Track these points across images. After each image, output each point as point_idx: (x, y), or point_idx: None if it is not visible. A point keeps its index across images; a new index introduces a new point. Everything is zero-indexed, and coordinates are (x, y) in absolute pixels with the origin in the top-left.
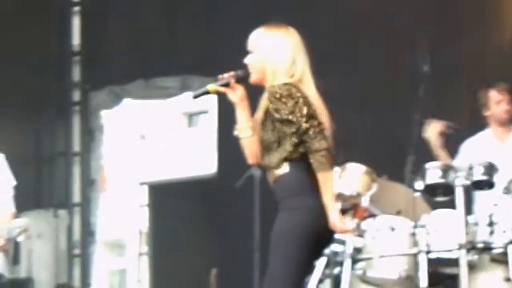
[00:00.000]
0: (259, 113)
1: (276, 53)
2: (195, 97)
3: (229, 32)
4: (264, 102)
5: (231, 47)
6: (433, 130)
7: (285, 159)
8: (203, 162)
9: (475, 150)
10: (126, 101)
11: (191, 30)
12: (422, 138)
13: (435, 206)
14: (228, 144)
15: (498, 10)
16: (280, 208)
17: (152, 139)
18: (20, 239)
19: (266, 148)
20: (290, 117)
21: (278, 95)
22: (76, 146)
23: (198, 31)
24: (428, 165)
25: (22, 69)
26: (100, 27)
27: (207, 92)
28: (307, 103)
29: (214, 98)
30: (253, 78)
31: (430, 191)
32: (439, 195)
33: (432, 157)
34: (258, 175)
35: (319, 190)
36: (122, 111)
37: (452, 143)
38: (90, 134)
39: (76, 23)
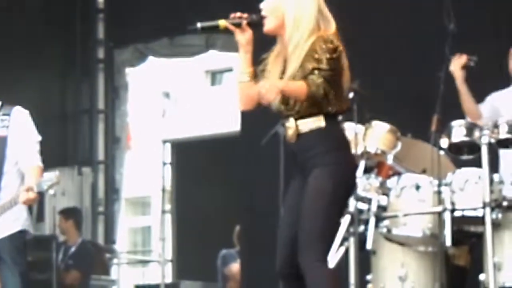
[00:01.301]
0: (293, 59)
1: (302, 2)
2: (203, 28)
3: None
4: (305, 47)
5: (257, 6)
6: (456, 64)
7: (318, 112)
8: (227, 120)
9: (502, 105)
10: (151, 59)
11: None
12: (447, 96)
13: (460, 164)
14: None
15: None
16: (316, 164)
17: (176, 97)
18: (50, 192)
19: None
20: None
21: (325, 40)
22: (101, 104)
23: None
24: (453, 123)
25: (47, 27)
26: None
27: (216, 26)
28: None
29: (238, 56)
30: (270, 25)
31: (455, 149)
32: (464, 153)
33: (458, 116)
34: (283, 132)
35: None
36: (146, 69)
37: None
38: (114, 92)
39: None
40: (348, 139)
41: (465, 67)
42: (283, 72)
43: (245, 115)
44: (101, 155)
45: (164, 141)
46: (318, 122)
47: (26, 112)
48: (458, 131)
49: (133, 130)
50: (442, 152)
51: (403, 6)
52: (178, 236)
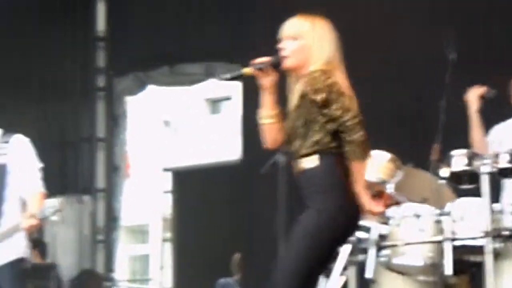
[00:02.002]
0: (293, 99)
1: (321, 42)
2: (230, 79)
3: (254, 20)
4: (299, 87)
5: (255, 34)
6: (474, 93)
7: (316, 151)
8: (227, 148)
9: (503, 137)
10: (151, 87)
11: (215, 17)
12: (447, 125)
13: (460, 193)
14: (252, 130)
15: None
16: (309, 203)
17: (175, 125)
18: (53, 219)
19: (296, 134)
20: (333, 107)
21: (320, 82)
22: (101, 132)
23: (223, 18)
24: (453, 152)
25: (47, 54)
26: (125, 13)
27: (241, 76)
28: (344, 92)
29: (238, 85)
30: (291, 64)
31: (456, 178)
32: (465, 183)
33: (458, 145)
34: (283, 161)
35: (348, 183)
36: (146, 97)
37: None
38: (114, 119)
39: (101, 9)
40: (342, 179)
41: (482, 98)
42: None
43: (245, 143)
44: (100, 183)
45: (165, 169)
46: (312, 161)
47: (27, 139)
48: (459, 160)
49: (133, 158)
50: (442, 181)
51: (405, 34)
52: (178, 264)
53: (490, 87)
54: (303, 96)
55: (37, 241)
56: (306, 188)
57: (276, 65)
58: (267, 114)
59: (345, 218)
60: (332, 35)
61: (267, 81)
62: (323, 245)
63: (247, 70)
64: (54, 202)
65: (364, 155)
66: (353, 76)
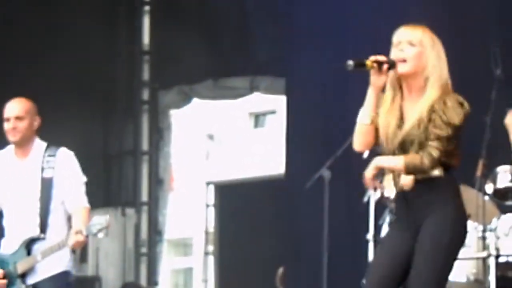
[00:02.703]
0: (420, 110)
1: (440, 60)
2: (353, 66)
3: (300, 33)
4: (430, 100)
5: (301, 47)
6: None
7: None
8: (271, 162)
9: None
10: (195, 101)
11: (261, 31)
12: (493, 142)
13: (504, 210)
14: (297, 144)
15: None
16: (436, 211)
17: (219, 139)
18: (100, 236)
19: (411, 142)
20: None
21: (458, 117)
22: (145, 145)
23: (269, 31)
24: (499, 168)
25: (92, 68)
26: (170, 26)
27: (364, 65)
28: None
29: (282, 99)
30: (407, 69)
31: (500, 194)
32: (509, 199)
33: (503, 161)
34: (328, 176)
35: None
36: (190, 110)
37: None
38: (158, 133)
39: (146, 22)
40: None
41: None
42: (400, 119)
43: (289, 158)
44: (144, 196)
45: (208, 183)
46: (437, 170)
47: (71, 153)
48: (503, 177)
49: (177, 172)
50: (487, 198)
51: (450, 49)
52: (221, 278)
53: None
54: (433, 111)
55: None
56: (427, 198)
57: (391, 66)
58: (368, 114)
59: (467, 224)
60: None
61: (380, 80)
62: (457, 252)
63: (369, 62)
64: (101, 219)
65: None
66: None
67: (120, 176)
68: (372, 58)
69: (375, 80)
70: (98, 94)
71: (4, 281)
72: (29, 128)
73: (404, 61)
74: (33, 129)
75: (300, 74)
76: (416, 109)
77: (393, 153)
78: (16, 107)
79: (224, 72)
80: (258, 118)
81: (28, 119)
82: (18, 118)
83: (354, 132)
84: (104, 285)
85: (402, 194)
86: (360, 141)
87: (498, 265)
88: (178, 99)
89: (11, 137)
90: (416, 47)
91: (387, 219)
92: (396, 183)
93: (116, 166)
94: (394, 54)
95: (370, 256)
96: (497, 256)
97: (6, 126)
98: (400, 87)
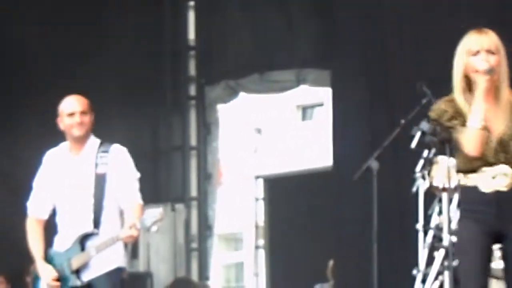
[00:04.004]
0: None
1: (505, 62)
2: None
3: (343, 26)
4: (509, 104)
5: (347, 40)
6: None
7: None
8: (319, 155)
9: None
10: (242, 95)
11: (306, 24)
12: None
13: None
14: (343, 136)
15: None
16: None
17: (267, 132)
18: (153, 229)
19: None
20: None
21: None
22: (193, 140)
23: (314, 24)
24: None
25: (139, 65)
26: (215, 21)
27: (492, 70)
28: None
29: (329, 91)
30: (495, 77)
31: None
32: None
33: None
34: (376, 167)
35: None
36: (237, 105)
37: None
38: (206, 128)
39: (191, 17)
40: None
41: None
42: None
43: (337, 150)
44: (193, 191)
45: (257, 177)
46: None
47: (125, 149)
48: None
49: (225, 166)
50: None
51: None
52: (272, 271)
53: None
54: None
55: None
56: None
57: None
58: (481, 118)
59: None
60: None
61: (489, 85)
62: None
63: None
64: (155, 212)
65: None
66: (446, 82)
67: (169, 171)
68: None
69: (485, 82)
70: (146, 90)
71: (58, 284)
72: (92, 123)
73: (495, 69)
74: (92, 126)
75: (345, 66)
76: (501, 112)
77: (489, 157)
78: (80, 102)
79: (270, 66)
80: (305, 111)
81: (90, 114)
82: (83, 112)
83: (467, 137)
84: (156, 281)
85: (495, 195)
86: (474, 145)
87: None
88: (225, 93)
89: (77, 131)
90: (496, 55)
91: (436, 208)
92: (489, 182)
93: (164, 162)
94: (480, 63)
95: (420, 246)
96: None
97: (71, 120)
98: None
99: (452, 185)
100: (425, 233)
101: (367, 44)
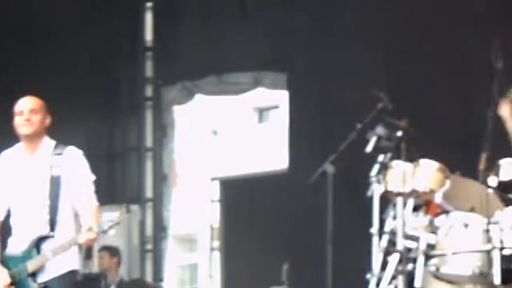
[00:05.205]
0: None
1: None
2: None
3: (301, 29)
4: None
5: (303, 44)
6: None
7: None
8: (274, 157)
9: None
10: (198, 97)
11: (264, 26)
12: (496, 135)
13: (508, 202)
14: (299, 139)
15: None
16: None
17: (223, 134)
18: (111, 233)
19: None
20: None
21: None
22: (149, 141)
23: (271, 27)
24: (502, 161)
25: (95, 65)
26: (173, 22)
27: None
28: None
29: (285, 94)
30: None
31: (504, 187)
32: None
33: (506, 154)
34: (332, 171)
35: None
36: (194, 106)
37: None
38: (162, 129)
39: (149, 18)
40: None
41: None
42: None
43: (292, 152)
44: (149, 193)
45: (213, 179)
46: None
47: (80, 152)
48: (507, 170)
49: (182, 168)
50: (490, 190)
51: (453, 43)
52: (226, 273)
53: None
54: None
55: (116, 250)
56: None
57: None
58: None
59: None
60: None
61: None
62: None
63: None
64: (112, 215)
65: None
66: (402, 87)
67: (125, 173)
68: None
69: None
70: (102, 91)
71: None
72: (41, 123)
73: None
74: (45, 126)
75: (301, 69)
76: None
77: None
78: (30, 101)
79: (227, 68)
80: (262, 113)
81: (42, 114)
82: (32, 111)
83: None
84: (110, 282)
85: None
86: None
87: (502, 257)
88: (182, 95)
89: (24, 129)
90: None
91: (391, 213)
92: None
93: (120, 163)
94: None
95: (374, 251)
96: (501, 249)
97: (19, 119)
98: None
99: (407, 190)
100: (380, 237)
101: (323, 47)
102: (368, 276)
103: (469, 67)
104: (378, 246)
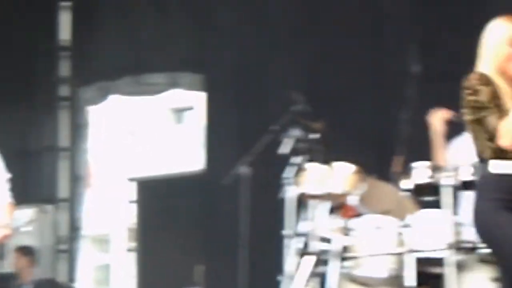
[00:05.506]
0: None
1: None
2: None
3: (219, 30)
4: None
5: (220, 45)
6: (438, 117)
7: None
8: (191, 158)
9: (463, 150)
10: (115, 97)
11: (180, 27)
12: (409, 138)
13: (423, 205)
14: (215, 140)
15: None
16: None
17: (140, 135)
18: (28, 229)
19: None
20: None
21: None
22: (64, 141)
23: (188, 28)
24: (415, 164)
25: (10, 63)
26: (91, 22)
27: None
28: None
29: (201, 95)
30: None
31: (417, 190)
32: (426, 195)
33: (419, 157)
34: (246, 172)
35: None
36: (110, 107)
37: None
38: (78, 129)
39: (66, 18)
40: None
41: (448, 122)
42: None
43: (209, 154)
44: (63, 193)
45: (129, 179)
46: None
47: None
48: (420, 173)
49: (98, 168)
50: (405, 193)
51: (368, 47)
52: (142, 274)
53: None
54: None
55: (29, 250)
56: None
57: None
58: None
59: None
60: None
61: None
62: None
63: None
64: (28, 213)
65: None
66: (320, 88)
67: (39, 172)
68: None
69: None
70: (17, 90)
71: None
72: None
73: None
74: None
75: (218, 70)
76: None
77: None
78: None
79: (144, 68)
80: (178, 114)
81: None
82: None
83: (507, 128)
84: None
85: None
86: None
87: (418, 260)
88: (98, 95)
89: None
90: None
91: (305, 215)
92: None
93: (34, 163)
94: None
95: (286, 253)
96: (414, 252)
97: None
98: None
99: (322, 192)
100: (292, 239)
101: (240, 49)
102: (279, 278)
103: (383, 70)
104: (290, 248)
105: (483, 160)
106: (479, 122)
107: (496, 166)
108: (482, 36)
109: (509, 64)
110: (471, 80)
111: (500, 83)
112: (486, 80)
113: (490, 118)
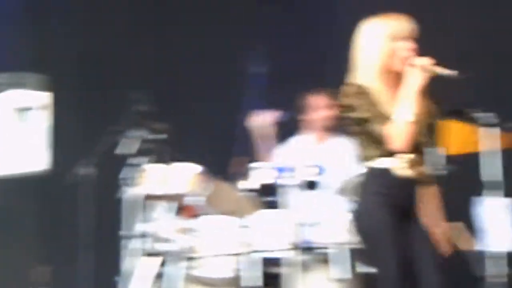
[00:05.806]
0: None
1: None
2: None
3: (62, 31)
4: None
5: (65, 46)
6: (261, 120)
7: None
8: (35, 159)
9: (297, 151)
10: None
11: (26, 28)
12: (247, 139)
13: (265, 206)
14: (60, 140)
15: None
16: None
17: None
18: None
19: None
20: None
21: None
22: None
23: (33, 28)
24: (254, 165)
25: None
26: None
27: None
28: None
29: (46, 95)
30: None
31: (257, 191)
32: (266, 195)
33: (258, 158)
34: (87, 173)
35: None
36: None
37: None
38: None
39: None
40: None
41: (277, 123)
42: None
43: (53, 154)
44: None
45: None
46: None
47: None
48: (259, 173)
49: None
50: (247, 194)
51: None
52: None
53: (292, 103)
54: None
55: None
56: (415, 200)
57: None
58: (413, 111)
59: None
60: None
61: (424, 81)
62: None
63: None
64: None
65: None
66: (165, 88)
67: None
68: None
69: (424, 78)
70: None
71: None
72: None
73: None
74: None
75: (62, 70)
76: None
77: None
78: None
79: None
80: (22, 114)
81: None
82: None
83: (397, 131)
84: None
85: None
86: (407, 139)
87: (264, 261)
88: None
89: None
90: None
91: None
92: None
93: None
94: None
95: (123, 253)
96: (253, 252)
97: None
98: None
99: (163, 192)
100: (131, 240)
101: (86, 48)
102: (116, 278)
103: (232, 70)
104: (127, 249)
105: (368, 162)
106: (364, 133)
107: (381, 162)
108: (354, 39)
109: (394, 59)
110: (348, 96)
111: (379, 88)
112: (362, 93)
113: (375, 128)
